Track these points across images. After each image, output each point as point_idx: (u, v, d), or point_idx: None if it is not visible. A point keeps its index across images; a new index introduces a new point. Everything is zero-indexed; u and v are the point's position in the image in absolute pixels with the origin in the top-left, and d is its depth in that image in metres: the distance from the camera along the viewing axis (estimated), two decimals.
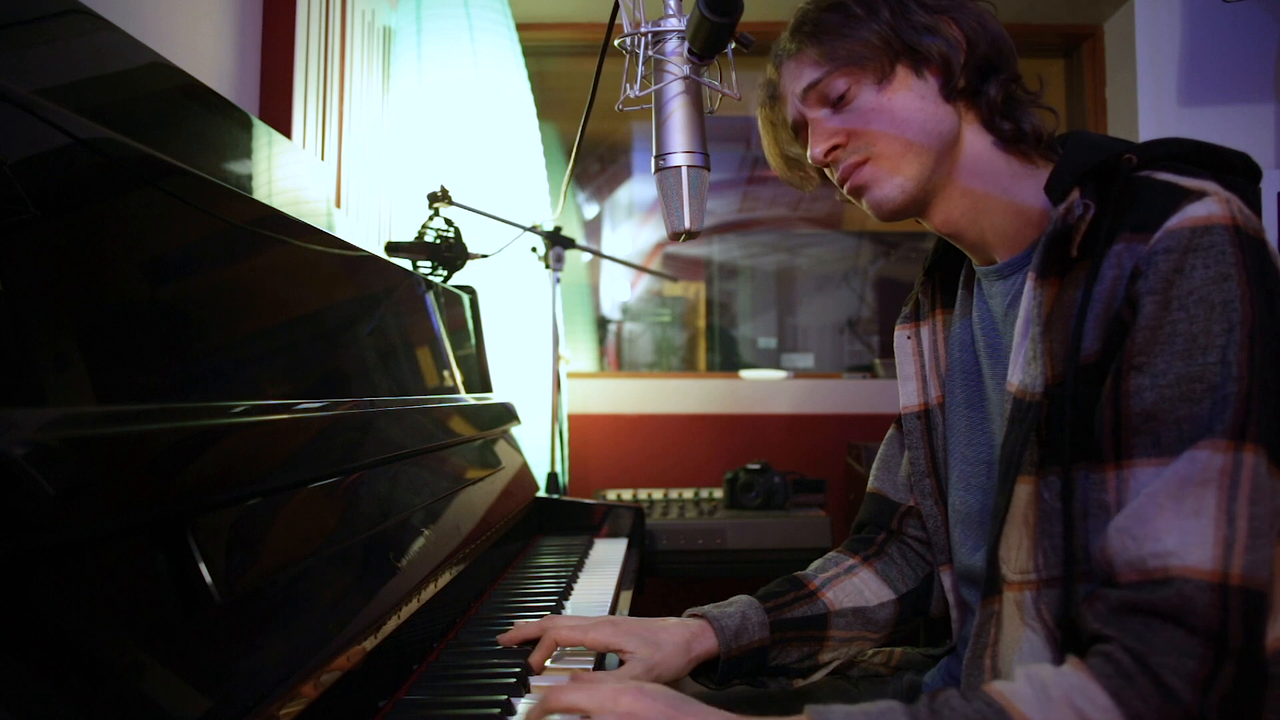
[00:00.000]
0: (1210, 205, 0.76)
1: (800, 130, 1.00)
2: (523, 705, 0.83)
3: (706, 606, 1.03)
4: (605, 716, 0.73)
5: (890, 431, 1.17)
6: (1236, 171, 0.87)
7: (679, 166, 0.91)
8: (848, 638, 1.07)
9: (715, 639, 0.99)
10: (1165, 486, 0.71)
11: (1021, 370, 0.85)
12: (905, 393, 1.08)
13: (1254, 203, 0.86)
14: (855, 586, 1.09)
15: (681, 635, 0.98)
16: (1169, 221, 0.76)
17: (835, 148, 0.95)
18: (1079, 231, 0.80)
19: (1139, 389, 0.74)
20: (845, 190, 0.97)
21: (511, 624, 1.06)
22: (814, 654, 1.06)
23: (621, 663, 0.94)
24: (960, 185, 0.94)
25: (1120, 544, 0.72)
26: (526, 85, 2.48)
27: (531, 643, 0.96)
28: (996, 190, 0.93)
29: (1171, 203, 0.77)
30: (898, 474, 1.13)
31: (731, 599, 1.04)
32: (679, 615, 1.02)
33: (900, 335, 1.10)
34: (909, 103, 0.91)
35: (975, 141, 0.93)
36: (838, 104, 0.94)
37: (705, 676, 1.02)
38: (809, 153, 0.97)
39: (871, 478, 1.17)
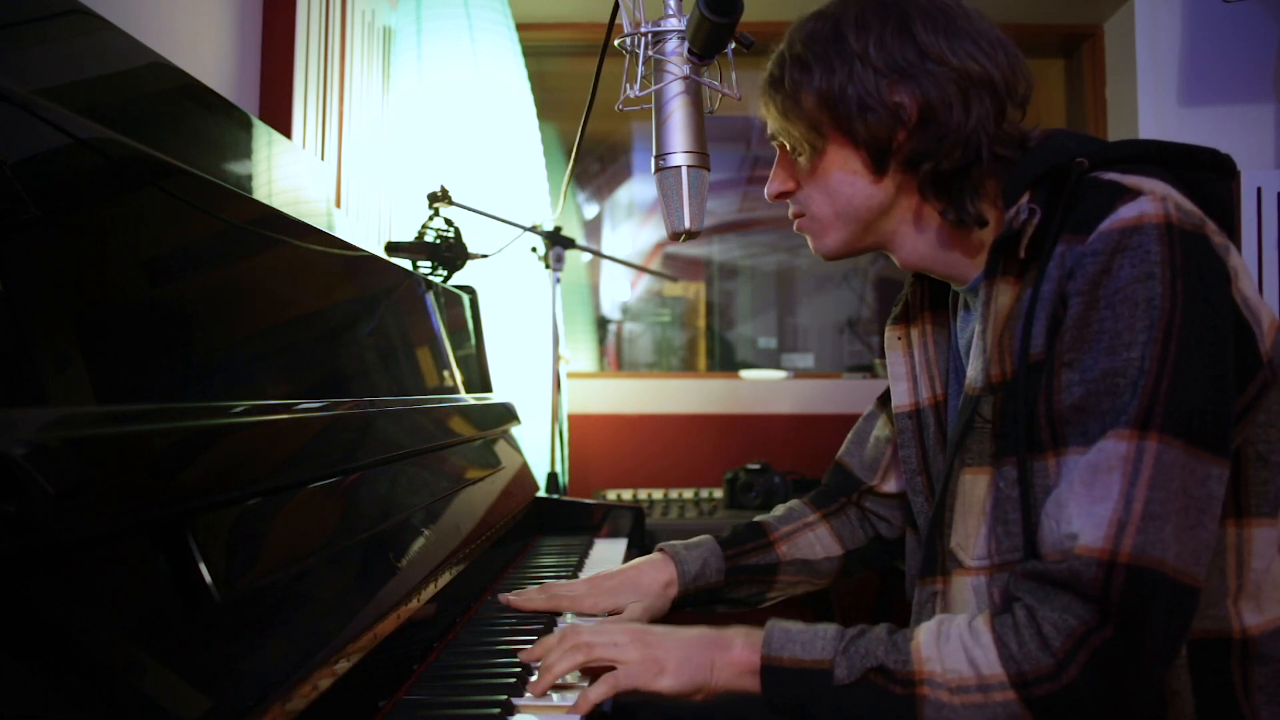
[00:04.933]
0: (1143, 205, 0.78)
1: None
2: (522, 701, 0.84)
3: (675, 544, 1.16)
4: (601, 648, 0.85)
5: (870, 408, 1.23)
6: (1204, 168, 0.88)
7: (679, 166, 0.91)
8: (794, 581, 1.20)
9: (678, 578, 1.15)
10: (1080, 474, 0.77)
11: (972, 367, 0.90)
12: (897, 392, 1.10)
13: (1222, 198, 0.87)
14: (809, 542, 1.20)
15: (660, 581, 1.13)
16: (1103, 223, 0.79)
17: (783, 193, 0.98)
18: (1025, 235, 0.84)
19: (1069, 384, 0.79)
20: (794, 228, 1.01)
21: (511, 624, 1.07)
22: (763, 593, 1.20)
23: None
24: (913, 235, 0.95)
25: (1047, 526, 0.79)
26: (526, 85, 2.47)
27: (535, 614, 1.08)
28: (958, 235, 0.94)
29: (1108, 203, 0.80)
30: (864, 450, 1.21)
31: (699, 539, 1.18)
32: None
33: (891, 335, 1.11)
34: (838, 177, 0.93)
35: (923, 207, 0.93)
36: (793, 151, 0.96)
37: None
38: (766, 186, 1.00)
39: (842, 447, 1.24)
